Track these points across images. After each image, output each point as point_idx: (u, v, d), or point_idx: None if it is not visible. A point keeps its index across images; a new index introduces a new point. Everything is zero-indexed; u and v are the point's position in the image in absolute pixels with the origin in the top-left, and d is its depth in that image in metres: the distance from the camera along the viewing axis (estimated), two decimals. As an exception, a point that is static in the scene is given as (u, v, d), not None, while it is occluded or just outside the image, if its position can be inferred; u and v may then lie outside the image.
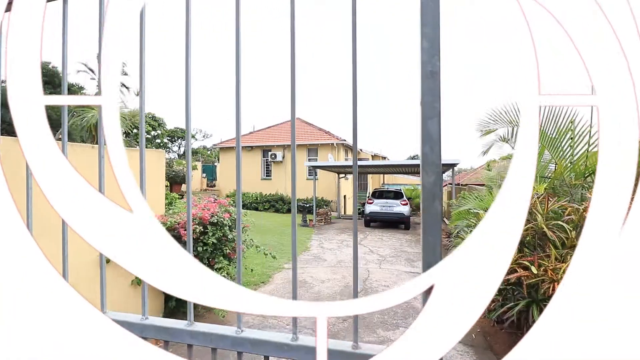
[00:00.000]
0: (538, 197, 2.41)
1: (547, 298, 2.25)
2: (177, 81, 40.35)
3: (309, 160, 18.43)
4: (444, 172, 16.31)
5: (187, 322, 0.95)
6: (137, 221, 0.75)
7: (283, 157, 19.46)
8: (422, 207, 0.75)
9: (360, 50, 0.87)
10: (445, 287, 0.67)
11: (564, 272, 2.29)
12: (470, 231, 3.12)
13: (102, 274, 1.03)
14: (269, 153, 19.52)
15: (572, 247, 2.25)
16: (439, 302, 0.66)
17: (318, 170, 18.32)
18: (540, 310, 2.40)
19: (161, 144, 19.68)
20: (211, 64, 75.52)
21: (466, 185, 14.50)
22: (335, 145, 18.33)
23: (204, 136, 43.56)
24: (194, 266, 0.75)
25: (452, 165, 11.68)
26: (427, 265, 0.71)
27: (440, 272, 0.67)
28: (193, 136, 41.38)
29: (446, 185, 18.48)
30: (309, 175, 18.37)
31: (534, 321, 1.75)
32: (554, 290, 2.11)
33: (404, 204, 12.38)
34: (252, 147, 20.32)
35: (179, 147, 41.72)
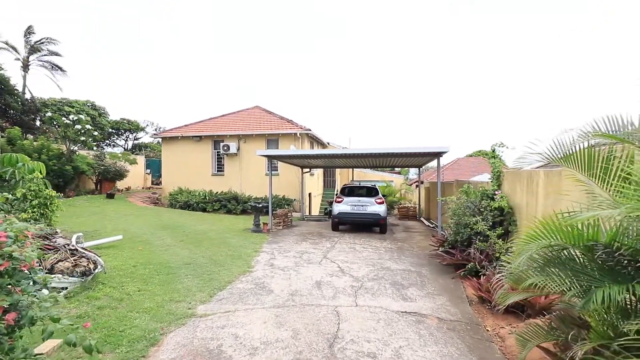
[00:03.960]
0: None
1: None
2: (126, 69, 35.68)
3: (268, 152, 15.69)
4: (423, 165, 14.36)
5: None
6: None
7: (238, 149, 16.57)
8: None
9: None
10: None
11: None
12: None
13: None
14: (221, 144, 16.52)
15: None
16: None
17: (279, 165, 15.73)
18: None
19: (82, 131, 15.85)
20: (173, 52, 69.54)
21: (453, 181, 12.55)
22: (298, 135, 15.79)
23: (155, 129, 39.33)
24: None
25: (438, 155, 9.58)
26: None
27: None
28: (143, 129, 37.04)
29: (416, 182, 16.53)
30: (268, 170, 15.68)
31: None
32: None
33: (379, 203, 10.15)
34: (200, 136, 17.18)
35: (126, 141, 37.02)
